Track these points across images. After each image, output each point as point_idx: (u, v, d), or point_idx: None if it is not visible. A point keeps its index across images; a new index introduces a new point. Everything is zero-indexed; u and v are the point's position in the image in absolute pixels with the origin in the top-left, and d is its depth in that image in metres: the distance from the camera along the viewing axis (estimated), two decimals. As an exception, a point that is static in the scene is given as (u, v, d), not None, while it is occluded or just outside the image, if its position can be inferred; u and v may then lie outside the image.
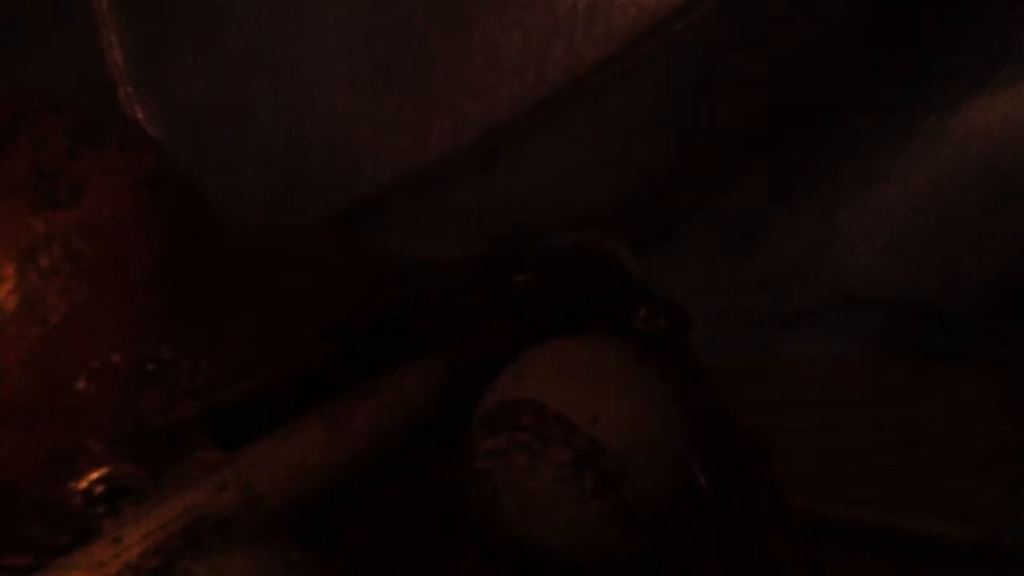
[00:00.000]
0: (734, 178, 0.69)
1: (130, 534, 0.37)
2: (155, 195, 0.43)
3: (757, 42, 0.61)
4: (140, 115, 0.66)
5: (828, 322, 0.71)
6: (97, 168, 0.42)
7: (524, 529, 0.39)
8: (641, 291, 0.59)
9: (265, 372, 0.45)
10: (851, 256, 0.69)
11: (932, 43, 0.63)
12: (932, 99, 0.64)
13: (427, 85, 0.64)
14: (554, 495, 0.38)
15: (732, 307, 0.70)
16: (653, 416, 0.40)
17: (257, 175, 0.68)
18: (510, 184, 0.67)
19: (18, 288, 0.39)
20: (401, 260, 0.64)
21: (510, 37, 0.61)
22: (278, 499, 0.40)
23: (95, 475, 0.40)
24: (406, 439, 0.45)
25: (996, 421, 0.66)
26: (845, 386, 0.69)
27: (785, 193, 0.69)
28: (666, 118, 0.64)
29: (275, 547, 0.35)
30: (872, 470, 0.63)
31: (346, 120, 0.65)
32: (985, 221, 0.66)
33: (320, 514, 0.41)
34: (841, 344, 0.71)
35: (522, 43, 0.61)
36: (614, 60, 0.60)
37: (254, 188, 0.67)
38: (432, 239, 0.68)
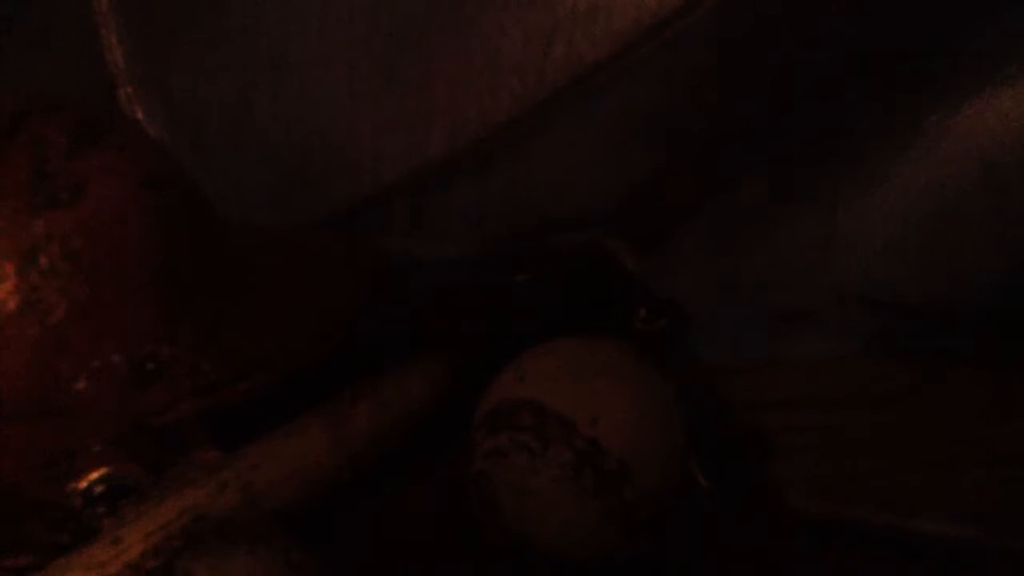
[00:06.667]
0: (734, 178, 0.69)
1: (130, 534, 0.37)
2: (155, 195, 0.43)
3: (757, 42, 0.61)
4: (140, 115, 0.66)
5: (828, 322, 0.71)
6: (97, 168, 0.42)
7: (524, 529, 0.39)
8: (641, 291, 0.59)
9: (265, 372, 0.45)
10: (851, 256, 0.69)
11: (932, 43, 0.63)
12: (932, 99, 0.64)
13: (427, 85, 0.64)
14: (554, 495, 0.38)
15: (732, 307, 0.70)
16: (653, 416, 0.40)
17: (257, 175, 0.67)
18: (510, 184, 0.67)
19: (18, 288, 0.39)
20: (401, 260, 0.64)
21: (510, 37, 0.61)
22: (278, 499, 0.40)
23: (95, 475, 0.40)
24: (406, 439, 0.45)
25: (996, 421, 0.66)
26: (845, 386, 0.69)
27: (785, 193, 0.69)
28: (666, 118, 0.64)
29: (275, 547, 0.35)
30: (872, 470, 0.63)
31: (346, 120, 0.65)
32: (985, 221, 0.66)
33: (320, 514, 0.41)
34: (841, 344, 0.71)
35: (522, 43, 0.61)
36: (614, 60, 0.60)
37: (254, 188, 0.67)
38: (432, 239, 0.68)
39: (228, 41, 0.65)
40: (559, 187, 0.67)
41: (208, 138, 0.66)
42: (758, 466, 0.49)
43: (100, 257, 0.41)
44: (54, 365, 0.40)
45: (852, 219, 0.68)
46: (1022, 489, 0.61)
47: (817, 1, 0.60)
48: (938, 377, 0.68)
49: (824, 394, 0.68)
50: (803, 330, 0.71)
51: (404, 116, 0.65)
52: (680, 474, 0.41)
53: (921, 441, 0.65)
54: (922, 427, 0.65)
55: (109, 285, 0.41)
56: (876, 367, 0.70)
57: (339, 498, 0.42)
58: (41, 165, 0.41)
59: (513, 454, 0.39)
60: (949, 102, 0.64)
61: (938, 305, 0.69)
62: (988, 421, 0.66)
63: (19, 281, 0.39)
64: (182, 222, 0.44)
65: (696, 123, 0.65)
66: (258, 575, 0.34)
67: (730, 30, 0.60)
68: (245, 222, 0.51)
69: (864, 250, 0.69)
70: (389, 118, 0.65)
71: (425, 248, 0.68)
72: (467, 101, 0.63)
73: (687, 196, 0.70)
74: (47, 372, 0.40)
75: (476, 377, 0.43)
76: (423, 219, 0.68)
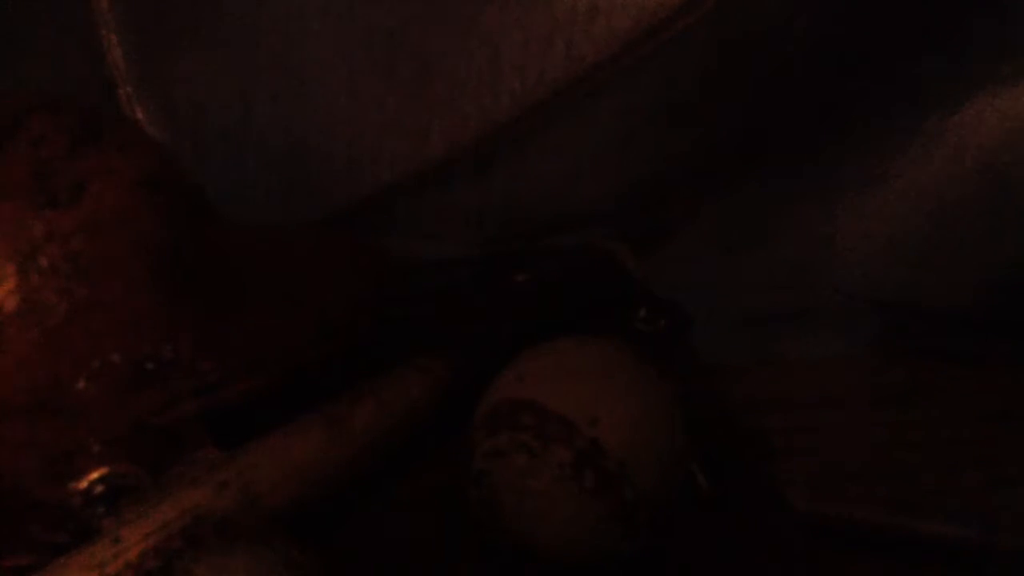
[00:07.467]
0: (734, 178, 0.69)
1: (130, 534, 0.37)
2: (155, 195, 0.43)
3: (757, 42, 0.61)
4: (140, 115, 0.66)
5: (828, 322, 0.71)
6: (97, 168, 0.42)
7: (524, 529, 0.39)
8: (641, 291, 0.59)
9: (265, 372, 0.45)
10: (851, 256, 0.69)
11: (932, 43, 0.63)
12: (932, 99, 0.64)
13: (427, 85, 0.64)
14: (554, 495, 0.38)
15: (732, 307, 0.70)
16: (653, 416, 0.40)
17: (257, 175, 0.68)
18: (510, 184, 0.67)
19: (18, 288, 0.39)
20: (401, 260, 0.64)
21: (510, 37, 0.61)
22: (278, 499, 0.40)
23: (95, 475, 0.40)
24: (406, 439, 0.45)
25: (996, 421, 0.66)
26: (845, 386, 0.69)
27: (785, 193, 0.68)
28: (666, 118, 0.64)
29: (275, 547, 0.35)
30: (872, 470, 0.63)
31: (346, 120, 0.66)
32: (985, 221, 0.66)
33: (320, 514, 0.41)
34: (841, 344, 0.71)
35: (522, 43, 0.61)
36: (614, 60, 0.60)
37: (254, 188, 0.67)
38: (432, 239, 0.68)
39: (228, 41, 0.65)
40: (559, 187, 0.67)
41: (208, 138, 0.66)
42: (758, 466, 0.49)
43: (100, 257, 0.41)
44: (54, 365, 0.40)
45: (852, 219, 0.68)
46: (1022, 489, 0.61)
47: (817, 1, 0.60)
48: (938, 377, 0.68)
49: (824, 394, 0.68)
50: (803, 330, 0.71)
51: (404, 116, 0.65)
52: (680, 474, 0.41)
53: (921, 441, 0.64)
54: (922, 427, 0.65)
55: (109, 285, 0.41)
56: (876, 367, 0.70)
57: (339, 498, 0.42)
58: (41, 165, 0.41)
59: (513, 454, 0.39)
60: (949, 102, 0.64)
61: (938, 305, 0.69)
62: (988, 421, 0.66)
63: (19, 281, 0.39)
64: (182, 222, 0.44)
65: (696, 123, 0.65)
66: (258, 575, 0.34)
67: (730, 30, 0.60)
68: (245, 222, 0.51)
69: (864, 250, 0.68)
70: (389, 118, 0.65)
71: (425, 248, 0.68)
72: (467, 101, 0.63)
73: (687, 196, 0.70)
74: (47, 372, 0.40)
75: (476, 377, 0.43)
76: (423, 219, 0.68)
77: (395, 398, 0.45)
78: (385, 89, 0.65)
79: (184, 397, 0.42)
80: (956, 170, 0.65)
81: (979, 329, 0.69)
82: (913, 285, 0.68)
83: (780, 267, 0.70)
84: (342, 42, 0.64)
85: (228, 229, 0.48)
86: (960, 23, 0.62)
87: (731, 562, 0.43)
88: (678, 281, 0.62)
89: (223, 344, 0.44)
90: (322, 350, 0.47)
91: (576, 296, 0.57)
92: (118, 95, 0.66)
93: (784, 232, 0.70)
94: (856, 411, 0.67)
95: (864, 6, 0.61)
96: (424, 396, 0.46)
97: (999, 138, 0.63)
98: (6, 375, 0.39)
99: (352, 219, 0.67)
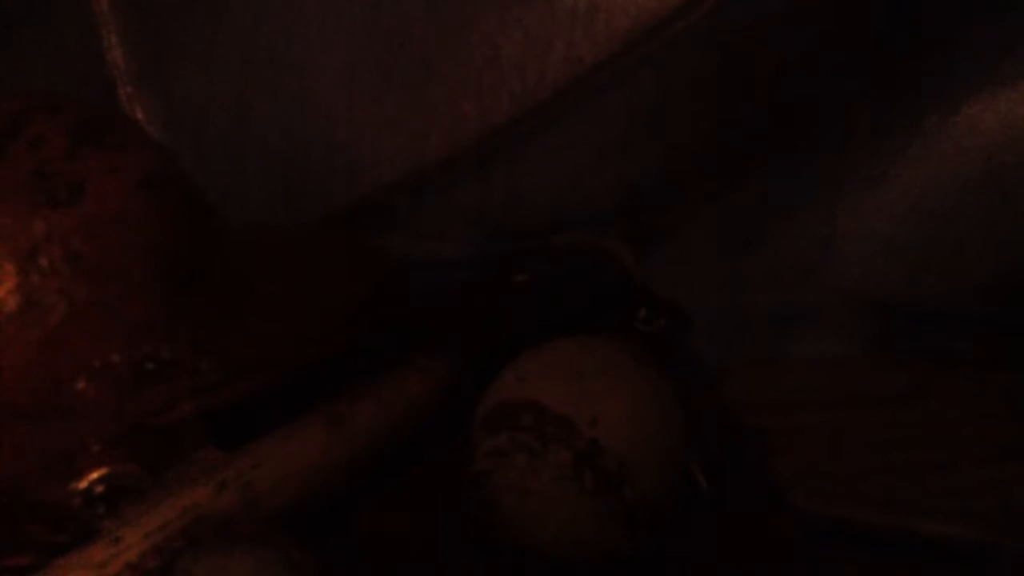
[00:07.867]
0: (734, 178, 0.69)
1: (130, 534, 0.37)
2: (155, 195, 0.43)
3: (757, 42, 0.61)
4: (140, 115, 0.66)
5: (828, 322, 0.71)
6: (97, 168, 0.42)
7: (524, 529, 0.39)
8: (641, 291, 0.59)
9: (265, 372, 0.45)
10: (851, 256, 0.69)
11: (932, 43, 0.63)
12: (932, 99, 0.64)
13: (427, 85, 0.64)
14: (554, 495, 0.38)
15: (732, 307, 0.70)
16: (653, 416, 0.40)
17: (257, 175, 0.67)
18: (510, 184, 0.67)
19: (18, 288, 0.39)
20: (401, 260, 0.64)
21: (510, 37, 0.61)
22: (278, 499, 0.40)
23: (95, 475, 0.40)
24: (406, 439, 0.45)
25: (996, 421, 0.66)
26: (845, 386, 0.69)
27: (785, 193, 0.68)
28: (666, 118, 0.64)
29: (275, 547, 0.35)
30: (872, 470, 0.63)
31: (346, 120, 0.66)
32: (985, 221, 0.66)
33: (320, 514, 0.41)
34: (841, 344, 0.71)
35: (522, 43, 0.61)
36: (614, 60, 0.60)
37: (254, 188, 0.67)
38: (432, 239, 0.68)
39: (228, 41, 0.65)
40: (559, 187, 0.67)
41: (208, 138, 0.66)
42: (758, 466, 0.49)
43: (100, 257, 0.41)
44: (54, 365, 0.40)
45: (852, 219, 0.68)
46: (1022, 489, 0.61)
47: (817, 1, 0.60)
48: (938, 377, 0.68)
49: (824, 394, 0.68)
50: (803, 330, 0.71)
51: (404, 116, 0.65)
52: (680, 474, 0.41)
53: (921, 441, 0.64)
54: (922, 427, 0.65)
55: (109, 285, 0.41)
56: (876, 367, 0.70)
57: (339, 498, 0.42)
58: (41, 165, 0.41)
59: (513, 454, 0.39)
60: (949, 102, 0.64)
61: (938, 305, 0.69)
62: (988, 421, 0.66)
63: (19, 281, 0.39)
64: (182, 222, 0.44)
65: (696, 123, 0.65)
66: (258, 575, 0.34)
67: (730, 30, 0.60)
68: (245, 222, 0.51)
69: (864, 250, 0.68)
70: (389, 118, 0.65)
71: (425, 248, 0.68)
72: (467, 101, 0.63)
73: (687, 196, 0.70)
74: (47, 372, 0.40)
75: (476, 377, 0.43)
76: (423, 219, 0.68)
77: (395, 398, 0.45)
78: (385, 89, 0.64)
79: (184, 397, 0.42)
80: (956, 170, 0.65)
81: (979, 329, 0.69)
82: (913, 285, 0.68)
83: (780, 267, 0.70)
84: (342, 42, 0.64)
85: (228, 229, 0.48)
86: (960, 23, 0.62)
87: (731, 562, 0.43)
88: (678, 281, 0.62)
89: (223, 344, 0.44)
90: (322, 350, 0.47)
91: (576, 296, 0.57)
92: (118, 95, 0.66)
93: (784, 232, 0.70)
94: (856, 411, 0.67)
95: (864, 6, 0.61)
96: (424, 396, 0.46)
97: (999, 138, 0.63)
98: (6, 375, 0.39)
99: (352, 219, 0.67)
